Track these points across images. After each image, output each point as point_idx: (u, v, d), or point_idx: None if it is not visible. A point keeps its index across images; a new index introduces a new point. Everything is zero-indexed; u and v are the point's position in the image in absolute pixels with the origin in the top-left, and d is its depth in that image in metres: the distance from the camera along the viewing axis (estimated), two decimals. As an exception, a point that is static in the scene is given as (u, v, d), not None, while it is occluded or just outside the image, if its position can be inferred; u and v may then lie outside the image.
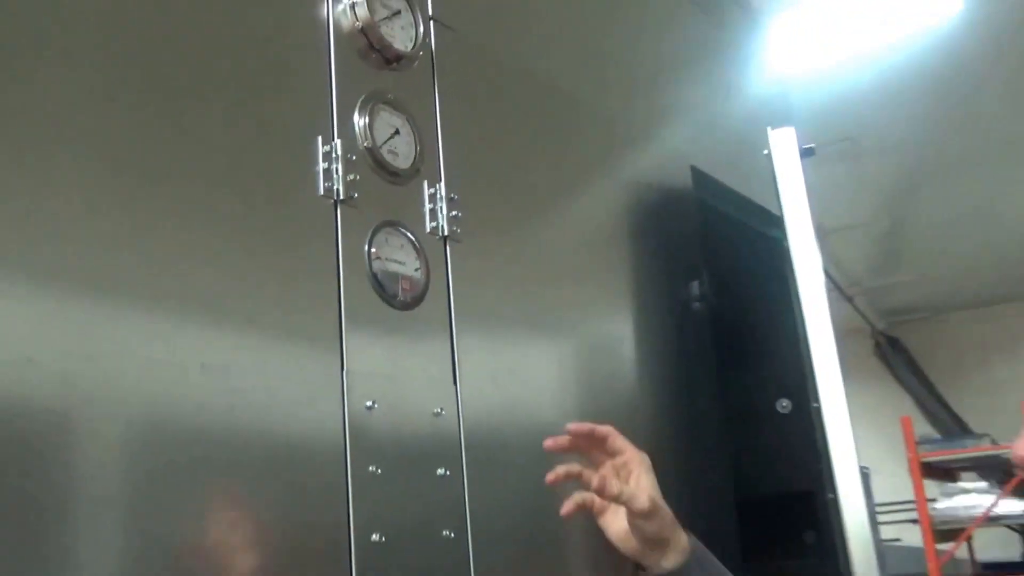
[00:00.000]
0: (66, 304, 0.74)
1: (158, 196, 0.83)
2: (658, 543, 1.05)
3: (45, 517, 0.70)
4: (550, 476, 1.01)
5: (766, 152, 1.54)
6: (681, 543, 1.07)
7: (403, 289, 1.03)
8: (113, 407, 0.75)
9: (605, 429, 1.06)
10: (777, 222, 1.51)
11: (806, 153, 1.54)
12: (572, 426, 1.05)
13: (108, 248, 0.78)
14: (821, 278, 1.48)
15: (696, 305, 1.61)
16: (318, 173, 0.97)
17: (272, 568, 0.84)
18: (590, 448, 1.08)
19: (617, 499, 1.03)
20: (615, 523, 1.08)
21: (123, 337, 0.77)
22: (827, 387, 1.44)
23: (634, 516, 1.04)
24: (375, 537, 0.91)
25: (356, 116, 1.02)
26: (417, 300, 1.04)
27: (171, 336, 0.81)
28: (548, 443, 1.04)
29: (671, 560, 1.06)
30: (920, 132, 5.08)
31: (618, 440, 1.06)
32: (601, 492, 1.01)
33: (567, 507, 1.04)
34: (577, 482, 1.02)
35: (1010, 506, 5.63)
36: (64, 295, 0.74)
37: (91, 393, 0.74)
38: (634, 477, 1.05)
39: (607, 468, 1.06)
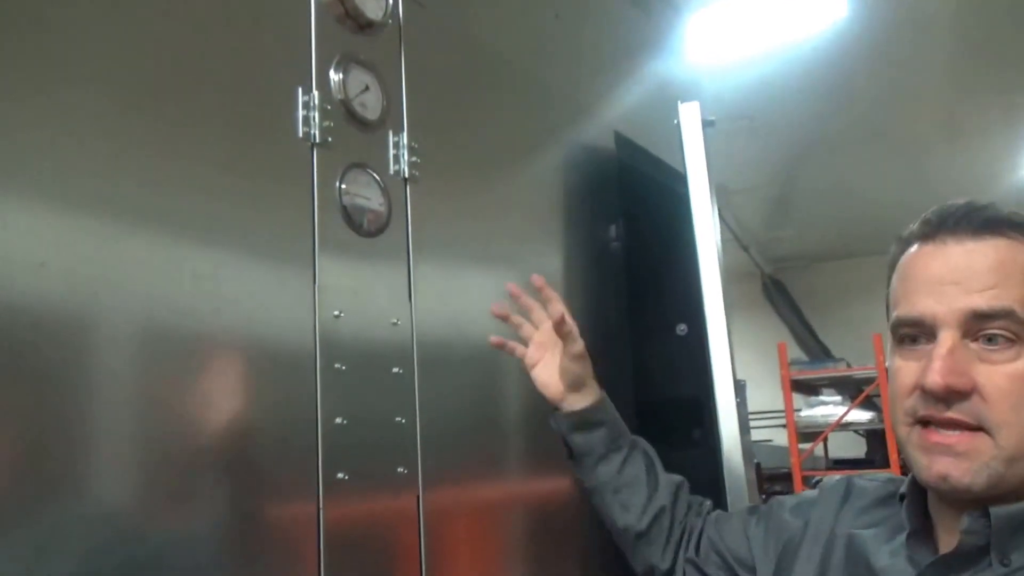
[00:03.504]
0: (76, 218, 0.72)
1: (162, 131, 0.80)
2: (578, 386, 1.04)
3: (57, 394, 0.68)
4: (495, 307, 1.06)
5: (676, 122, 1.52)
6: (594, 388, 1.06)
7: (368, 220, 1.01)
8: (116, 305, 0.73)
9: (554, 293, 1.05)
10: (682, 180, 1.51)
11: (708, 124, 1.52)
12: (536, 277, 1.06)
13: (116, 172, 0.75)
14: (715, 227, 1.48)
15: (613, 245, 1.61)
16: (298, 119, 0.94)
17: (254, 441, 0.84)
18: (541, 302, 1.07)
19: (568, 331, 1.02)
20: (543, 373, 1.06)
21: (126, 248, 0.75)
22: (713, 315, 1.45)
23: (570, 355, 1.02)
24: (338, 420, 0.91)
25: (332, 72, 0.99)
26: (380, 230, 1.03)
27: (167, 248, 0.79)
28: (512, 288, 1.06)
29: (586, 400, 1.05)
30: (806, 116, 5.10)
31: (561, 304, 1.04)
32: (560, 323, 1.01)
33: (496, 341, 1.07)
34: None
35: (857, 415, 5.84)
36: (75, 211, 0.72)
37: (96, 294, 0.72)
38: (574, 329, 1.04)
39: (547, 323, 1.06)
